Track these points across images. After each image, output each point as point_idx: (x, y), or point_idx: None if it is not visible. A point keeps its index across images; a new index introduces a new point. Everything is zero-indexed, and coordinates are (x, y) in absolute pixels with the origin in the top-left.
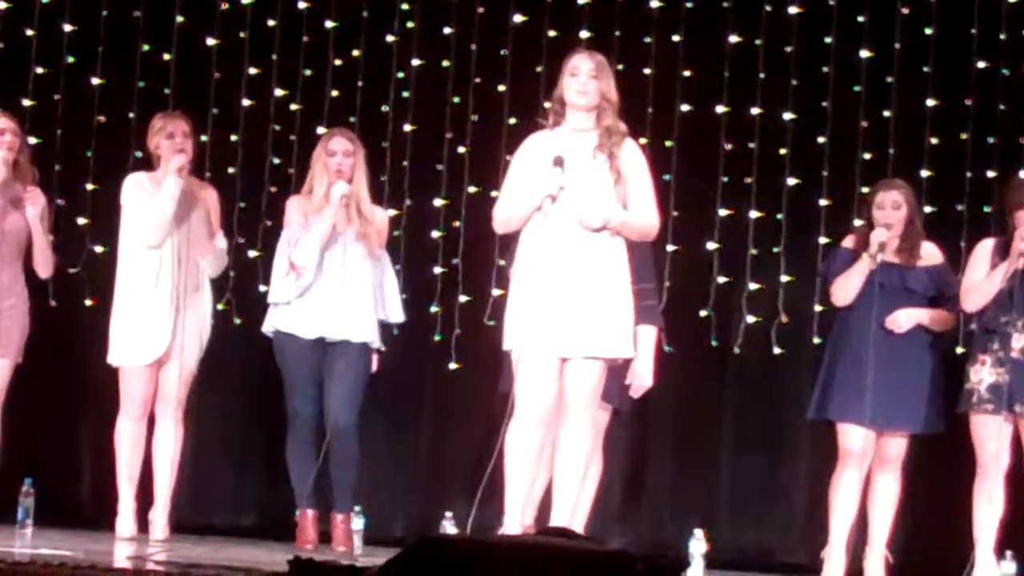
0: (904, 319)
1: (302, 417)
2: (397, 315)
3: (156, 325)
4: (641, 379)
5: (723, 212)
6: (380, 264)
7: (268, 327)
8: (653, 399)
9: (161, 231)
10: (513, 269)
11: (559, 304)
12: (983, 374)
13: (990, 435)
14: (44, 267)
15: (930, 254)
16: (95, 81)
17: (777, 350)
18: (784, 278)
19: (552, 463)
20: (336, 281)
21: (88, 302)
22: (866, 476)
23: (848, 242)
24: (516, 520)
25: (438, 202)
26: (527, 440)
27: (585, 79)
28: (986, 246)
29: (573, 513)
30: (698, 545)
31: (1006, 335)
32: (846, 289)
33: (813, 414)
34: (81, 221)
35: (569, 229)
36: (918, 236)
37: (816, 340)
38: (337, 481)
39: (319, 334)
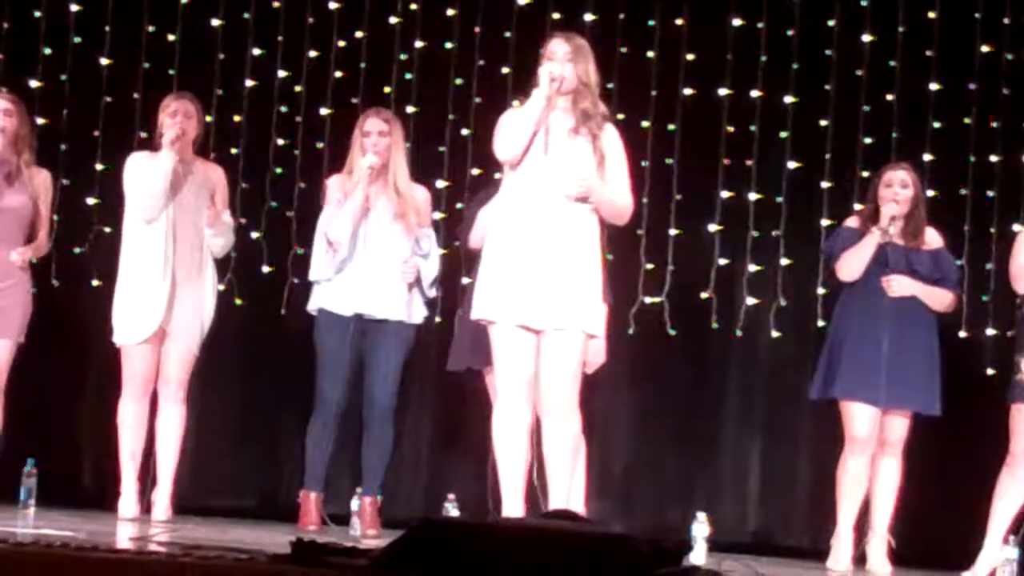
0: (897, 285)
1: (326, 399)
2: (430, 292)
3: (150, 302)
4: (594, 356)
5: (724, 194)
6: (428, 241)
7: (312, 305)
8: (656, 381)
9: (155, 203)
10: (486, 241)
11: (531, 276)
12: None
13: None
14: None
15: (932, 238)
16: (102, 61)
17: (775, 333)
18: (784, 261)
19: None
20: (373, 258)
21: (94, 282)
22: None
23: (852, 221)
24: (515, 504)
25: (441, 183)
26: (512, 419)
27: (561, 63)
28: None
29: (570, 494)
30: (701, 528)
31: None
32: (854, 263)
33: (817, 394)
34: (89, 201)
35: (544, 202)
36: (922, 220)
37: (820, 323)
38: (370, 463)
39: (356, 310)
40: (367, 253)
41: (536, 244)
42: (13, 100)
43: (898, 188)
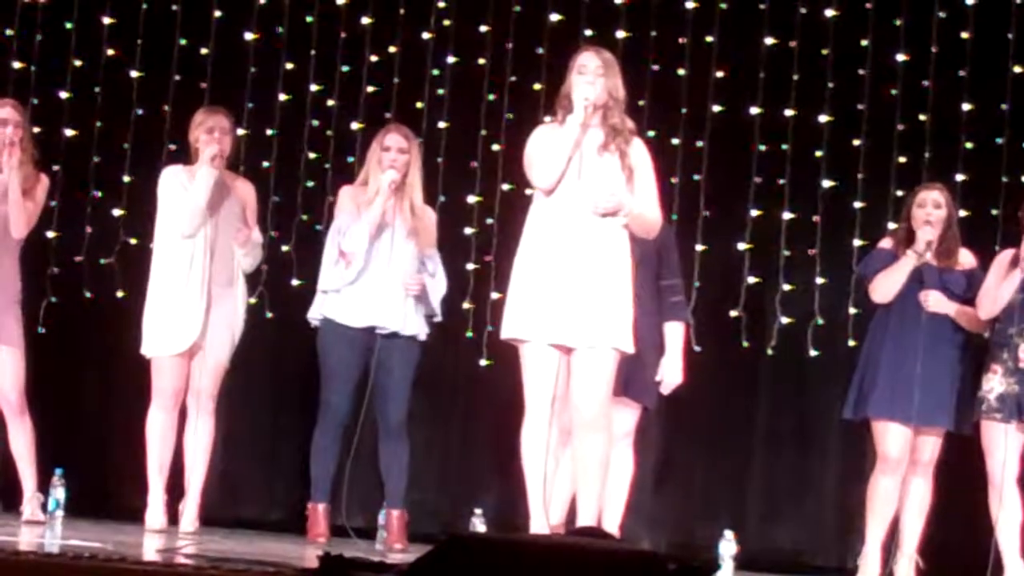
0: (933, 299)
1: (334, 410)
2: (437, 313)
3: (186, 315)
4: (671, 376)
5: (755, 213)
6: (432, 261)
7: (315, 314)
8: (684, 399)
9: (195, 220)
10: (516, 258)
11: (562, 294)
12: (994, 383)
13: (997, 443)
14: (15, 227)
15: (965, 258)
16: (133, 74)
17: (813, 352)
18: (819, 280)
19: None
20: (385, 273)
21: (120, 293)
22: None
23: (886, 242)
24: (541, 519)
25: (472, 199)
26: (540, 436)
27: (592, 77)
28: (1005, 255)
29: (598, 511)
30: (728, 546)
31: (1014, 346)
32: (888, 286)
33: (850, 414)
34: (116, 212)
35: (575, 220)
36: (956, 240)
37: (851, 343)
38: (390, 477)
39: (368, 323)
40: (380, 268)
41: (567, 262)
42: (20, 110)
43: (931, 208)
